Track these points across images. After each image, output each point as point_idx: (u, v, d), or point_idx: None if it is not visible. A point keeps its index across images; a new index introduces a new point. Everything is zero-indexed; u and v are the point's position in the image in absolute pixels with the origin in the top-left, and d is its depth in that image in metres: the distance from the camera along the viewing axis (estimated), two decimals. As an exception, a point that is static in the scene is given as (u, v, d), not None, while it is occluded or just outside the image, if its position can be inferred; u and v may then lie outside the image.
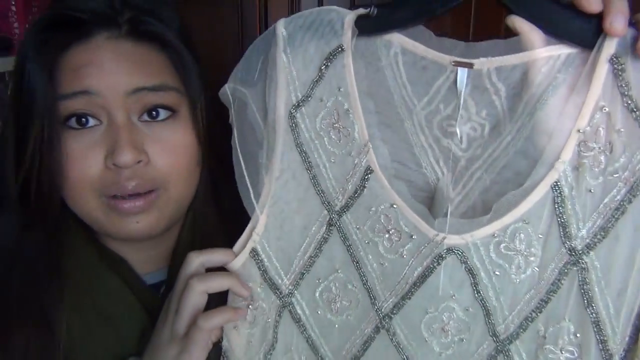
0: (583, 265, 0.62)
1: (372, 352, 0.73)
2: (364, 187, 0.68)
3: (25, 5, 1.62)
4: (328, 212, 0.71)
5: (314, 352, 0.76)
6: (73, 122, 0.77)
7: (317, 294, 0.74)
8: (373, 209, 0.68)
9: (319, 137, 0.70)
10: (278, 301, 0.76)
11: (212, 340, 0.75)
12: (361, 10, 0.66)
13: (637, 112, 0.58)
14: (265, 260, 0.74)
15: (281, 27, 0.69)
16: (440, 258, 0.65)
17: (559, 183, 0.60)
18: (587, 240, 0.62)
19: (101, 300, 0.84)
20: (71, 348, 0.80)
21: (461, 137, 0.68)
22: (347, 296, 0.73)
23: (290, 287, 0.75)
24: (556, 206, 0.61)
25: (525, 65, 0.61)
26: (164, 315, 0.77)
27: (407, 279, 0.68)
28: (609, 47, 0.57)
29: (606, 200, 0.60)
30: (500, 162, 0.66)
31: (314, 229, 0.73)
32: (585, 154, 0.59)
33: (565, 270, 0.63)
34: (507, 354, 0.67)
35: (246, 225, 0.74)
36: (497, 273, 0.64)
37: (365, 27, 0.66)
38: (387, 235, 0.68)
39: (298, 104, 0.70)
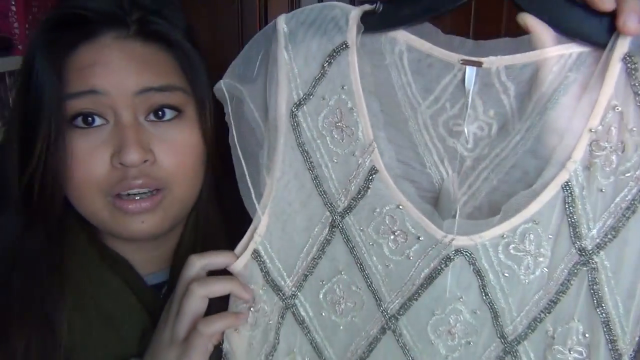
0: (593, 265, 0.62)
1: (378, 354, 0.72)
2: (368, 187, 0.66)
3: (25, 5, 1.64)
4: (330, 213, 0.70)
5: (318, 354, 0.75)
6: (79, 121, 0.77)
7: (321, 296, 0.73)
8: (377, 210, 0.67)
9: (321, 137, 0.68)
10: (281, 303, 0.75)
11: (213, 343, 0.74)
12: (366, 7, 0.64)
13: (650, 111, 0.57)
14: (268, 261, 0.73)
15: (282, 22, 0.67)
16: (448, 259, 0.64)
17: (569, 183, 0.60)
18: (598, 240, 0.61)
19: (102, 300, 0.84)
20: (72, 348, 0.80)
21: (467, 137, 0.67)
22: (351, 298, 0.72)
23: (293, 289, 0.74)
24: (567, 206, 0.61)
25: (536, 64, 0.60)
26: (164, 318, 0.76)
27: (413, 280, 0.67)
28: (622, 45, 0.56)
29: (617, 199, 0.60)
30: (509, 162, 0.65)
31: (316, 230, 0.71)
32: (597, 153, 0.59)
33: (575, 271, 0.62)
34: (515, 354, 0.67)
35: (249, 226, 0.73)
36: (506, 274, 0.64)
37: (370, 24, 0.65)
38: (392, 237, 0.66)
39: (300, 103, 0.68)
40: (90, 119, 0.77)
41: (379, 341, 0.71)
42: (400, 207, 0.65)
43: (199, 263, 0.74)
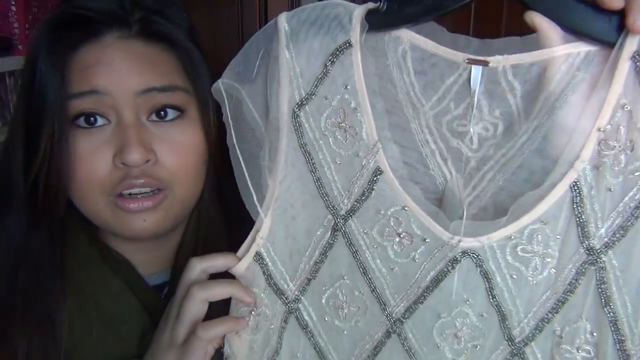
0: (601, 265, 0.61)
1: (383, 358, 0.71)
2: (372, 189, 0.65)
3: (25, 5, 1.66)
4: (333, 216, 0.68)
5: (322, 359, 0.74)
6: (82, 121, 0.77)
7: (323, 301, 0.72)
8: (382, 212, 0.65)
9: (323, 137, 0.67)
10: (284, 307, 0.73)
11: (214, 347, 0.74)
12: (370, 5, 0.63)
13: (660, 110, 0.57)
14: (270, 264, 0.72)
15: (283, 21, 0.66)
16: (454, 261, 0.63)
17: (578, 183, 0.59)
18: (606, 239, 0.61)
19: (102, 300, 0.84)
20: (72, 348, 0.81)
21: (472, 137, 0.66)
22: (354, 302, 0.71)
23: (296, 293, 0.73)
24: (575, 206, 0.60)
25: (543, 63, 0.60)
26: (164, 321, 0.76)
27: (419, 283, 0.66)
28: (631, 44, 0.56)
29: (626, 199, 0.59)
30: (515, 162, 0.65)
31: (318, 233, 0.70)
32: (605, 152, 0.58)
33: (583, 270, 0.62)
34: (522, 356, 0.66)
35: (251, 228, 0.72)
36: (514, 276, 0.63)
37: (373, 23, 0.64)
38: (397, 239, 0.65)
39: (302, 103, 0.67)
40: (92, 119, 0.77)
41: (384, 345, 0.70)
42: (406, 208, 0.64)
43: (199, 266, 0.73)
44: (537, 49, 0.59)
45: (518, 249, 0.62)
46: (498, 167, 0.66)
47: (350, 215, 0.67)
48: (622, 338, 0.62)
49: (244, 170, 0.70)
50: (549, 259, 0.62)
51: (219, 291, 0.72)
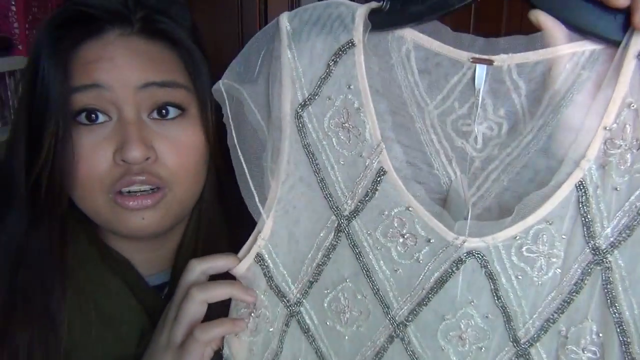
0: (607, 265, 0.61)
1: (386, 362, 0.70)
2: (376, 189, 0.65)
3: (25, 5, 1.67)
4: (336, 217, 0.68)
5: (323, 363, 0.73)
6: (83, 117, 0.78)
7: (325, 304, 0.71)
8: (386, 212, 0.65)
9: (326, 138, 0.66)
10: (286, 310, 0.73)
11: (213, 348, 0.73)
12: (373, 4, 0.63)
13: (665, 109, 0.57)
14: (272, 266, 0.71)
15: (285, 21, 0.66)
16: (459, 262, 0.63)
17: (583, 182, 0.59)
18: (612, 239, 0.60)
19: (101, 300, 0.84)
20: (71, 347, 0.81)
21: (476, 137, 0.65)
22: (356, 307, 0.70)
23: (298, 296, 0.72)
24: (580, 205, 0.60)
25: (548, 61, 0.59)
26: (162, 322, 0.76)
27: (423, 284, 0.65)
28: (637, 43, 0.56)
29: (632, 198, 0.59)
30: (520, 162, 0.64)
31: (321, 235, 0.69)
32: (611, 151, 0.58)
33: (589, 270, 0.61)
34: (527, 357, 0.65)
35: (252, 229, 0.71)
36: (519, 277, 0.62)
37: (376, 22, 0.63)
38: (401, 240, 0.65)
39: (304, 103, 0.66)
40: (93, 115, 0.78)
41: (387, 350, 0.70)
42: (410, 209, 0.63)
43: (199, 267, 0.73)
44: (541, 47, 0.59)
45: (523, 249, 0.61)
46: (503, 166, 0.66)
47: (354, 216, 0.67)
48: (628, 340, 0.62)
49: (246, 171, 0.70)
50: (554, 259, 0.62)
51: (219, 292, 0.72)
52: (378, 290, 0.68)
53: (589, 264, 0.61)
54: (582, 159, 0.59)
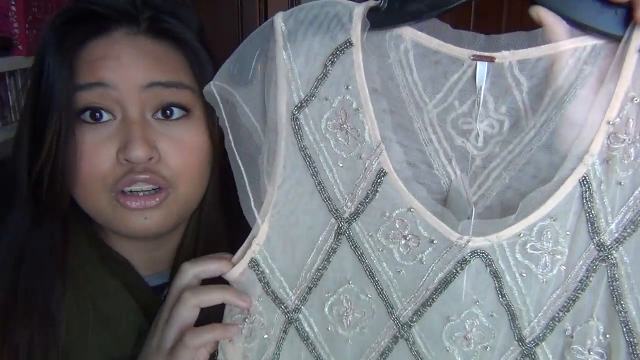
0: (612, 261, 0.60)
1: (390, 365, 0.69)
2: (376, 191, 0.64)
3: (25, 5, 1.66)
4: (336, 220, 0.67)
5: (324, 370, 0.72)
6: (87, 116, 0.77)
7: (326, 309, 0.70)
8: (387, 214, 0.64)
9: (324, 140, 0.65)
10: (283, 316, 0.71)
11: (209, 351, 0.72)
12: (371, 3, 0.62)
13: (669, 102, 0.57)
14: (268, 272, 0.70)
15: (280, 21, 0.64)
16: (463, 262, 0.62)
17: (587, 177, 0.59)
18: (616, 235, 0.60)
19: (100, 301, 0.84)
20: (70, 347, 0.80)
21: (477, 135, 0.65)
22: (360, 308, 0.69)
23: (296, 302, 0.71)
24: (584, 201, 0.59)
25: (550, 57, 0.59)
26: (155, 324, 0.76)
27: (427, 285, 0.64)
28: (639, 37, 0.55)
29: (636, 192, 0.59)
30: (522, 159, 0.64)
31: (321, 239, 0.68)
32: (615, 146, 0.58)
33: (594, 267, 0.61)
34: (533, 357, 0.65)
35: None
36: (524, 274, 0.62)
37: (374, 21, 0.62)
38: (402, 242, 0.64)
39: (301, 105, 0.65)
40: (97, 114, 0.77)
41: (391, 351, 0.69)
42: (412, 209, 0.62)
43: (191, 271, 0.73)
44: (543, 43, 0.59)
45: (527, 246, 0.61)
46: (504, 164, 0.65)
47: (355, 219, 0.66)
48: (635, 341, 0.61)
49: (243, 174, 0.69)
50: (558, 256, 0.61)
51: (212, 297, 0.71)
52: (382, 291, 0.67)
53: (594, 261, 0.61)
54: (586, 154, 0.58)
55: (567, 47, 0.58)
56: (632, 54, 0.56)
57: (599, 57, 0.58)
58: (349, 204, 0.66)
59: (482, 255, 0.62)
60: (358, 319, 0.69)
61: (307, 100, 0.65)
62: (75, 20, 0.78)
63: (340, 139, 0.65)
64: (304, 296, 0.70)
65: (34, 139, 0.78)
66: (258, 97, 0.68)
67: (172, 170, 0.79)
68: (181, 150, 0.79)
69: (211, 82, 0.70)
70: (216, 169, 0.84)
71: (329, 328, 0.71)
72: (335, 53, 0.63)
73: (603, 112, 0.57)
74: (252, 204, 0.69)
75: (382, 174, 0.63)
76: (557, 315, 0.63)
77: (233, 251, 0.72)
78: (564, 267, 0.62)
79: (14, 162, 0.81)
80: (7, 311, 0.79)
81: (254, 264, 0.70)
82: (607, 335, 0.62)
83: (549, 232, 0.60)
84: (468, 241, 0.61)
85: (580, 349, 0.63)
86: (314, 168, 0.66)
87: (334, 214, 0.67)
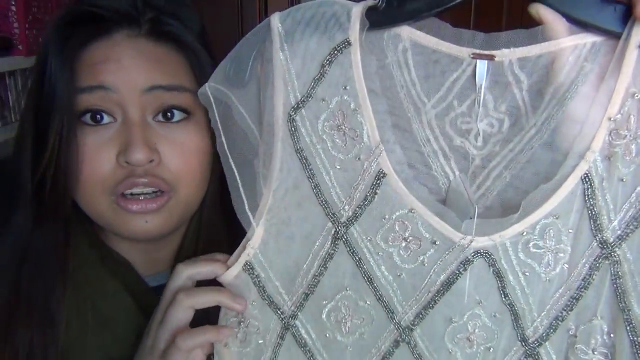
0: (615, 258, 0.60)
1: (392, 369, 0.68)
2: (375, 193, 0.63)
3: (25, 5, 1.66)
4: (333, 224, 0.65)
5: (323, 377, 0.71)
6: (88, 118, 0.77)
7: (324, 316, 0.69)
8: (386, 216, 0.63)
9: (321, 142, 0.64)
10: (280, 322, 0.70)
11: (205, 353, 0.72)
12: (369, 2, 0.61)
13: (669, 97, 0.57)
14: (263, 276, 0.69)
15: (276, 21, 0.64)
16: (467, 263, 0.61)
17: (589, 174, 0.59)
18: (619, 232, 0.60)
19: (99, 302, 0.84)
20: (69, 348, 0.80)
21: (477, 135, 0.64)
22: (358, 314, 0.67)
23: (293, 309, 0.69)
24: (586, 198, 0.59)
25: (550, 55, 0.59)
26: (149, 326, 0.76)
27: (429, 287, 0.64)
28: (638, 33, 0.56)
29: (638, 188, 0.59)
30: (523, 157, 0.64)
31: (317, 244, 0.67)
32: (616, 142, 0.58)
33: (597, 265, 0.61)
34: (536, 357, 0.64)
35: None
36: (527, 273, 0.61)
37: (372, 20, 0.62)
38: (403, 244, 0.63)
39: (297, 106, 0.64)
40: (98, 116, 0.77)
41: (393, 355, 0.68)
42: (413, 211, 0.62)
43: (185, 272, 0.73)
44: (543, 41, 0.59)
45: (530, 245, 0.61)
46: (505, 163, 0.65)
47: (352, 222, 0.65)
48: (639, 340, 0.61)
49: (236, 176, 0.68)
50: (561, 254, 0.61)
51: (206, 299, 0.71)
52: (381, 296, 0.66)
53: (596, 258, 0.61)
54: (587, 151, 0.58)
55: (567, 44, 0.58)
56: (632, 50, 0.56)
57: (599, 53, 0.58)
58: (346, 207, 0.65)
59: (486, 255, 0.61)
60: (357, 325, 0.68)
61: (303, 101, 0.64)
62: (77, 21, 0.78)
63: (337, 140, 0.64)
64: (301, 302, 0.69)
65: (37, 139, 0.78)
66: (254, 98, 0.67)
67: (172, 173, 0.78)
68: (182, 153, 0.79)
69: (206, 84, 0.69)
70: (216, 170, 0.82)
71: (327, 334, 0.69)
72: (333, 53, 0.62)
73: (604, 108, 0.57)
74: (247, 207, 0.68)
75: (382, 175, 0.62)
76: (560, 314, 0.63)
77: (233, 252, 0.71)
78: (567, 266, 0.61)
79: (16, 162, 0.81)
80: (10, 311, 0.79)
81: (248, 268, 0.69)
82: (612, 335, 0.62)
83: (551, 230, 0.60)
84: (471, 241, 0.61)
85: (584, 349, 0.63)
86: (310, 171, 0.65)
87: (331, 218, 0.66)
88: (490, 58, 0.60)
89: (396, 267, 0.64)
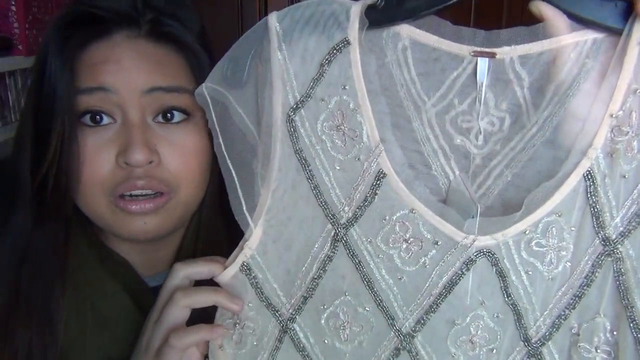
0: (618, 255, 0.60)
1: (392, 377, 0.67)
2: (375, 193, 0.62)
3: (25, 5, 1.65)
4: (333, 226, 0.65)
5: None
6: (87, 119, 0.77)
7: (322, 321, 0.68)
8: (387, 217, 0.62)
9: (320, 142, 0.64)
10: (278, 325, 0.69)
11: (202, 353, 0.72)
12: (369, 1, 0.61)
13: (671, 93, 0.57)
14: (261, 277, 0.68)
15: (274, 20, 0.63)
16: (469, 262, 0.61)
17: (591, 171, 0.58)
18: (621, 229, 0.60)
19: (98, 303, 0.83)
20: (68, 348, 0.80)
21: (477, 133, 0.64)
22: (357, 321, 0.66)
23: (291, 312, 0.68)
24: (589, 195, 0.59)
25: (551, 52, 0.59)
26: (145, 324, 0.76)
27: (430, 290, 0.63)
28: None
29: (640, 185, 0.59)
30: (525, 156, 0.63)
31: (316, 246, 0.66)
32: (618, 138, 0.58)
33: (599, 262, 0.60)
34: (539, 357, 0.64)
35: None
36: (529, 272, 0.61)
37: (372, 19, 0.61)
38: (404, 246, 0.62)
39: (296, 106, 0.63)
40: (98, 117, 0.77)
41: (393, 363, 0.67)
42: (414, 211, 0.61)
43: (182, 272, 0.73)
44: (544, 38, 0.59)
45: (532, 243, 0.60)
46: (506, 161, 0.65)
47: (352, 224, 0.64)
48: (643, 338, 0.61)
49: (235, 178, 0.67)
50: (564, 252, 0.61)
51: (203, 298, 0.71)
52: (381, 302, 0.65)
53: (599, 256, 0.60)
54: (590, 148, 0.58)
55: (568, 41, 0.58)
56: (633, 47, 0.56)
57: (600, 50, 0.58)
58: (346, 208, 0.64)
59: (488, 255, 0.61)
60: (356, 333, 0.67)
61: (302, 101, 0.63)
62: (77, 22, 0.77)
63: (336, 140, 0.63)
64: (300, 306, 0.68)
65: (37, 139, 0.78)
66: (252, 99, 0.66)
67: (172, 174, 0.78)
68: (181, 154, 0.79)
69: (203, 84, 0.68)
70: (216, 171, 0.81)
71: (326, 341, 0.68)
72: (332, 52, 0.62)
73: (606, 105, 0.57)
74: (244, 208, 0.67)
75: (382, 175, 0.62)
76: (563, 313, 0.62)
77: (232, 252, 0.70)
78: (570, 264, 0.61)
79: (16, 162, 0.80)
80: (10, 311, 0.79)
81: (245, 269, 0.68)
82: (615, 332, 0.62)
83: (554, 229, 0.60)
84: (474, 240, 0.60)
85: (587, 347, 0.62)
86: (309, 171, 0.64)
87: (331, 219, 0.65)
88: (491, 56, 0.60)
89: (397, 270, 0.64)
